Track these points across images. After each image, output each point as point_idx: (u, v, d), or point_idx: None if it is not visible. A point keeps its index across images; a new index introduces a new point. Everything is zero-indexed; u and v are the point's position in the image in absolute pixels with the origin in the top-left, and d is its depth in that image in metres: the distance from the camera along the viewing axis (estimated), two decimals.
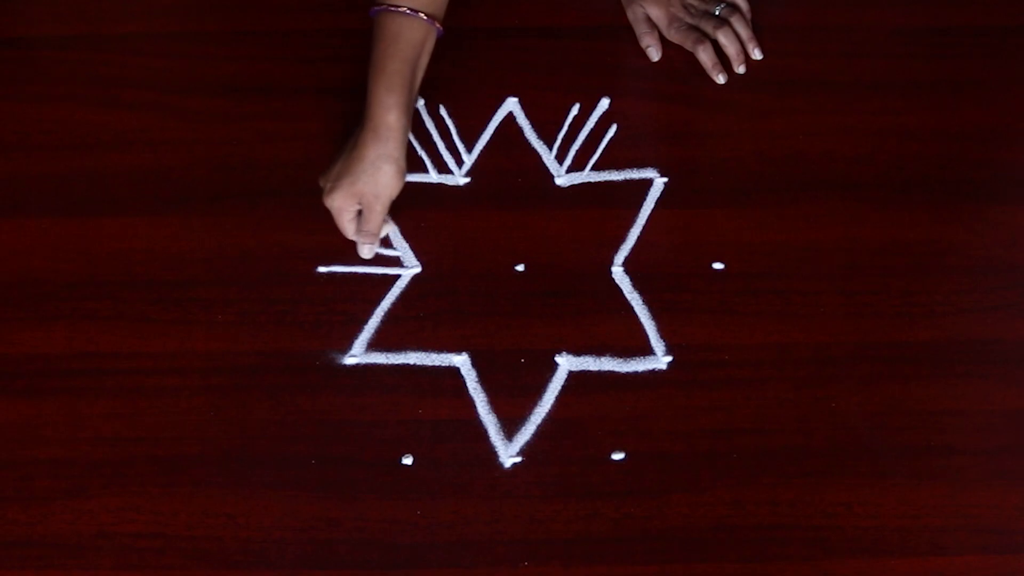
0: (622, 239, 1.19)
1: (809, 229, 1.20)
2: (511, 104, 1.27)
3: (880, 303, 1.15)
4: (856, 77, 1.29)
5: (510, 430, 1.09)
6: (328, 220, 1.17)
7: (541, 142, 1.25)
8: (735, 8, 1.32)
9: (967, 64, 1.30)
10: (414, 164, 1.23)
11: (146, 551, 1.03)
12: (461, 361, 1.12)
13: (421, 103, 1.27)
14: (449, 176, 1.23)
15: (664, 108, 1.29)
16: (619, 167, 1.23)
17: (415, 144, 1.24)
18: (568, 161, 1.24)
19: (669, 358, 1.13)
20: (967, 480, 1.07)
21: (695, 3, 1.32)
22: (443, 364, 1.12)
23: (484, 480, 1.07)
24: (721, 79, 1.29)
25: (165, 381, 1.11)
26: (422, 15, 1.14)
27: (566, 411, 1.10)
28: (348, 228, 1.16)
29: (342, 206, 1.15)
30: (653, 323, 1.14)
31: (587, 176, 1.23)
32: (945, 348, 1.13)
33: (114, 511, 1.05)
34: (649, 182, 1.23)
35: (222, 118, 1.26)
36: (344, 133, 1.22)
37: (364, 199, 1.15)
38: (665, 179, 1.23)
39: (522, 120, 1.26)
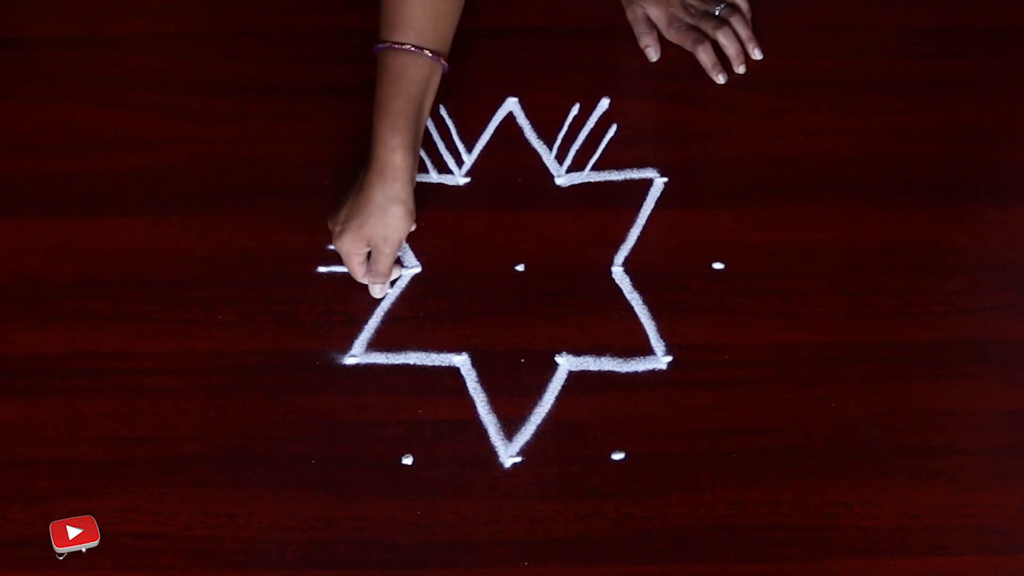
0: (622, 239, 1.19)
1: (809, 229, 1.20)
2: (511, 104, 1.27)
3: (880, 303, 1.15)
4: (856, 77, 1.29)
5: (510, 430, 1.09)
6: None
7: (541, 142, 1.25)
8: (735, 8, 1.32)
9: (967, 64, 1.30)
10: None
11: (146, 551, 1.03)
12: (461, 361, 1.12)
13: None
14: (449, 176, 1.23)
15: (664, 108, 1.29)
16: (619, 167, 1.23)
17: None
18: (568, 161, 1.24)
19: (669, 358, 1.13)
20: (967, 480, 1.07)
21: (695, 3, 1.32)
22: (443, 364, 1.12)
23: (484, 480, 1.07)
24: (721, 79, 1.29)
25: (165, 381, 1.11)
26: (427, 52, 1.12)
27: (566, 411, 1.10)
28: (358, 271, 1.14)
29: (351, 249, 1.13)
30: (653, 323, 1.14)
31: (587, 176, 1.23)
32: (945, 348, 1.13)
33: (114, 511, 1.05)
34: (649, 182, 1.23)
35: (222, 118, 1.26)
36: (344, 133, 1.22)
37: (373, 241, 1.12)
38: (665, 179, 1.23)
39: (522, 120, 1.26)
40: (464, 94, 1.28)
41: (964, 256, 1.19)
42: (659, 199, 1.21)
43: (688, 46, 1.30)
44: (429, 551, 1.04)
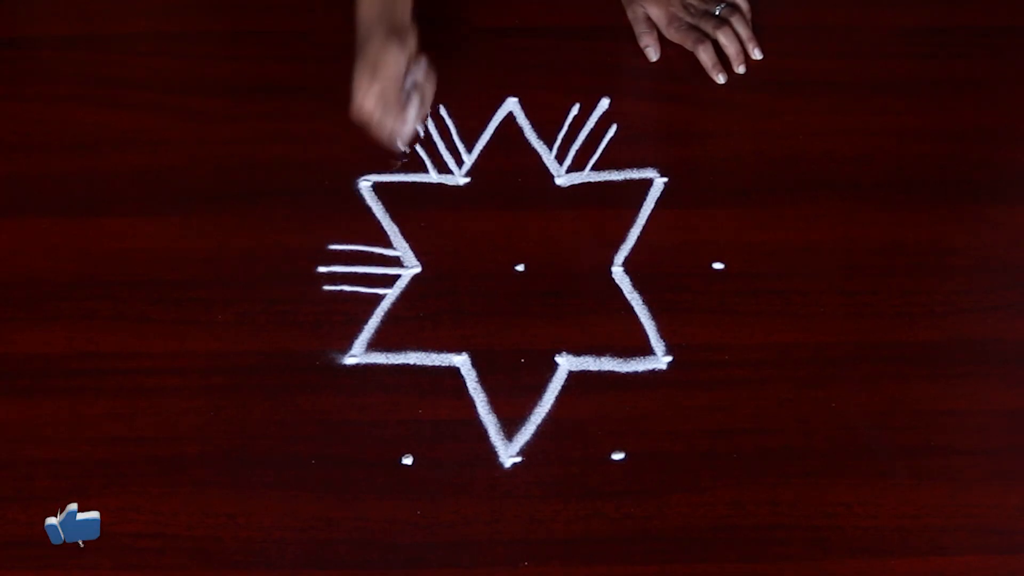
0: (622, 239, 1.19)
1: (809, 229, 1.20)
2: (511, 104, 1.27)
3: (880, 303, 1.15)
4: (856, 77, 1.29)
5: (510, 430, 1.09)
6: (328, 220, 1.18)
7: (541, 142, 1.25)
8: (735, 8, 1.32)
9: (967, 64, 1.30)
10: (414, 164, 1.23)
11: (146, 551, 1.03)
12: (461, 361, 1.12)
13: None
14: (449, 176, 1.23)
15: (664, 108, 1.29)
16: (619, 167, 1.23)
17: (415, 144, 1.24)
18: (568, 161, 1.24)
19: (669, 358, 1.13)
20: (967, 480, 1.06)
21: (695, 3, 1.32)
22: (443, 364, 1.12)
23: (484, 480, 1.07)
24: (721, 79, 1.29)
25: (165, 381, 1.11)
26: None
27: (566, 411, 1.10)
28: (385, 123, 1.12)
29: (364, 94, 1.11)
30: (653, 323, 1.14)
31: (587, 176, 1.23)
32: (945, 348, 1.13)
33: (114, 511, 1.05)
34: (649, 182, 1.23)
35: (222, 118, 1.26)
36: (344, 133, 1.22)
37: (376, 73, 1.10)
38: (665, 179, 1.23)
39: (522, 120, 1.26)
40: (464, 94, 1.28)
41: (964, 256, 1.18)
42: (659, 199, 1.21)
43: (688, 46, 1.30)
44: (429, 551, 1.04)
